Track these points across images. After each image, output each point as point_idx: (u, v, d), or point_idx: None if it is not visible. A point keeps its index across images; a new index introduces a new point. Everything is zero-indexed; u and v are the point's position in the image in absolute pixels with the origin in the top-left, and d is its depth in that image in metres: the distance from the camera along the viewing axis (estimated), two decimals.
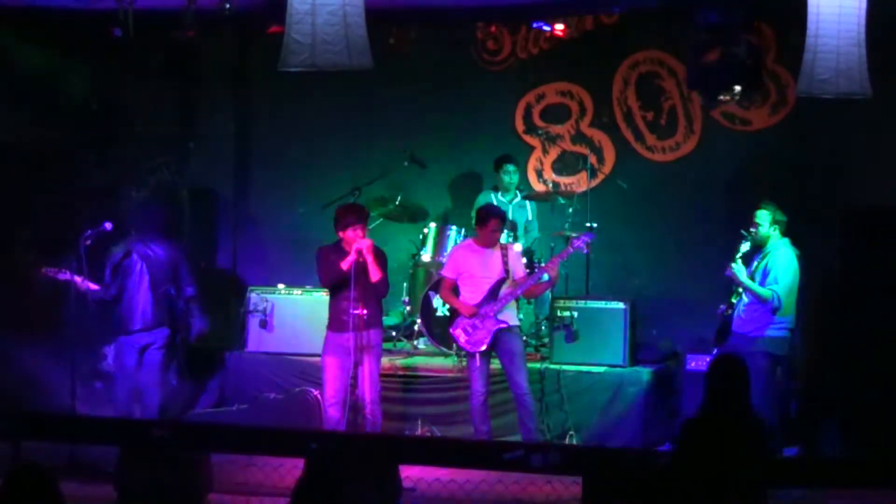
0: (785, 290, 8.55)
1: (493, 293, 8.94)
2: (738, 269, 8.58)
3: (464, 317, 8.95)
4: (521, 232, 10.51)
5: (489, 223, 8.94)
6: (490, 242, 8.99)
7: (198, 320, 9.35)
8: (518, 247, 9.45)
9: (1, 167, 10.35)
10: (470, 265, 9.01)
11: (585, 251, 9.37)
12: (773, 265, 8.58)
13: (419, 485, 7.36)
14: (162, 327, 9.16)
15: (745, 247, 8.65)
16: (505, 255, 8.97)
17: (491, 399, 9.11)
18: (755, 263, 8.66)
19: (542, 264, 9.64)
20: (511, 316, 8.97)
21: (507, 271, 8.93)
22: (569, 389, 9.53)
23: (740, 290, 8.70)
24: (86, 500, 7.38)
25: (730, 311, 8.75)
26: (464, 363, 9.72)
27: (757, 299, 8.57)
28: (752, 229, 8.64)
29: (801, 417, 9.39)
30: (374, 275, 8.57)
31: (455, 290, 9.06)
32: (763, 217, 8.63)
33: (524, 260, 9.45)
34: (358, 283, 8.54)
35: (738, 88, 9.12)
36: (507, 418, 9.26)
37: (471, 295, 8.98)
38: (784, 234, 8.70)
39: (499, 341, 8.93)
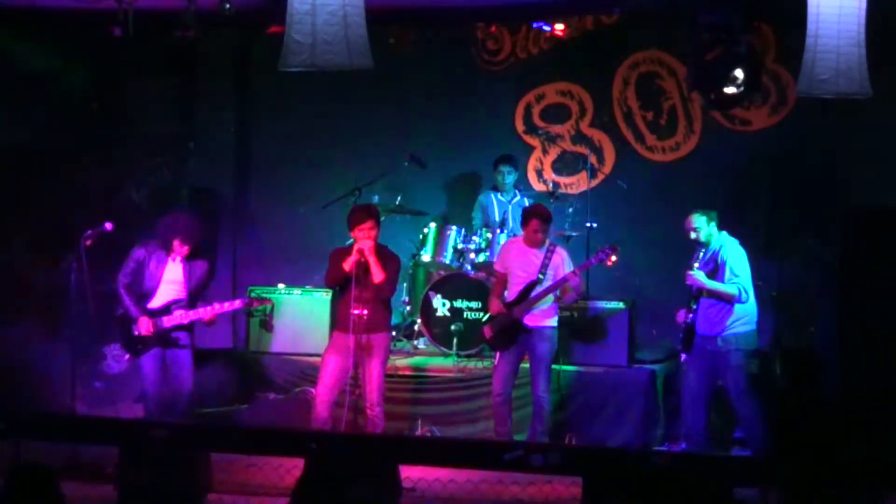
0: (744, 280, 8.59)
1: (524, 294, 8.94)
2: (698, 273, 8.61)
3: (493, 314, 8.99)
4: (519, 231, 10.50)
5: (530, 223, 8.94)
6: (534, 242, 8.98)
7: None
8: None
9: (1, 167, 10.35)
10: (512, 262, 9.04)
11: (609, 264, 9.32)
12: (724, 260, 8.61)
13: (419, 485, 7.36)
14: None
15: (701, 254, 8.68)
16: (548, 258, 8.94)
17: None
18: (703, 264, 8.66)
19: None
20: (541, 318, 8.95)
21: (544, 273, 8.91)
22: (569, 389, 9.54)
23: (697, 294, 8.71)
24: (86, 500, 7.38)
25: (691, 317, 8.75)
26: (463, 363, 9.76)
27: (722, 297, 8.59)
28: (692, 235, 8.66)
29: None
30: (377, 276, 8.56)
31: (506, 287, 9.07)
32: (699, 221, 8.66)
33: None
34: (360, 283, 8.56)
35: (739, 75, 9.04)
36: (517, 415, 9.25)
37: (509, 293, 9.01)
38: (719, 227, 8.71)
39: (526, 342, 8.95)
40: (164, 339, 8.92)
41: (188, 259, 8.94)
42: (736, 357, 8.64)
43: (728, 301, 8.58)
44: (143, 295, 8.96)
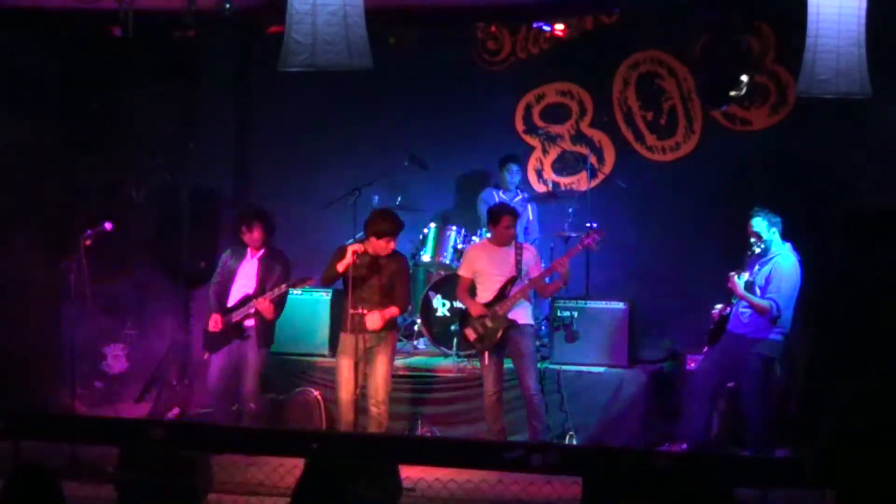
0: (784, 300, 8.57)
1: (503, 292, 8.96)
2: (739, 280, 8.60)
3: (475, 316, 8.99)
4: (521, 232, 10.50)
5: (502, 220, 8.99)
6: (504, 240, 9.03)
7: None
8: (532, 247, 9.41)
9: (1, 167, 10.35)
10: (483, 264, 9.06)
11: (595, 249, 9.37)
12: (774, 274, 8.58)
13: (419, 485, 7.36)
14: None
15: (750, 259, 8.67)
16: (519, 254, 8.99)
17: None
18: (757, 268, 8.66)
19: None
20: (522, 314, 8.98)
21: (519, 270, 8.96)
22: (569, 389, 9.53)
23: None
24: (86, 500, 7.38)
25: (728, 311, 8.75)
26: (463, 363, 9.75)
27: (756, 310, 8.58)
28: (752, 240, 8.64)
29: (801, 417, 9.38)
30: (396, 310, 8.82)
31: (472, 290, 9.10)
32: (760, 225, 8.63)
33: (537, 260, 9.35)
34: (362, 284, 8.63)
35: (745, 79, 9.06)
36: (514, 415, 9.26)
37: (484, 294, 9.02)
38: (783, 235, 8.70)
39: (509, 340, 8.96)
40: (235, 334, 9.13)
41: (269, 257, 9.19)
42: (757, 362, 8.63)
43: (760, 314, 8.57)
44: (225, 294, 9.24)
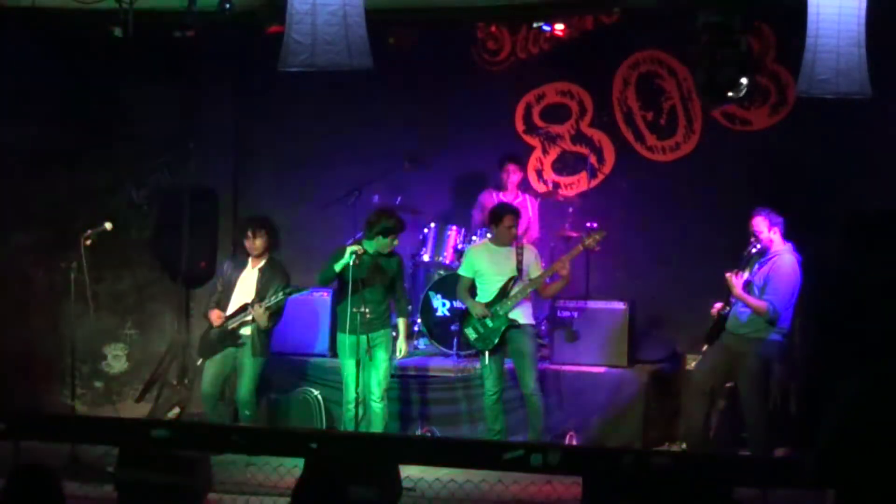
0: (782, 301, 8.55)
1: (504, 292, 8.97)
2: (735, 281, 8.59)
3: (475, 316, 9.00)
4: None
5: (504, 220, 9.01)
6: (506, 240, 9.04)
7: None
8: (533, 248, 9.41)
9: (1, 167, 10.36)
10: (484, 264, 9.08)
11: (596, 249, 9.38)
12: (773, 274, 8.57)
13: (419, 485, 7.35)
14: None
15: (748, 256, 8.67)
16: (520, 254, 9.01)
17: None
18: (757, 268, 8.65)
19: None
20: (523, 314, 8.99)
21: (520, 270, 8.97)
22: (569, 389, 9.54)
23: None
24: (86, 500, 7.38)
25: (727, 310, 8.75)
26: (463, 363, 9.75)
27: (753, 310, 8.57)
28: (752, 240, 8.64)
29: (801, 417, 9.40)
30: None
31: (473, 290, 9.11)
32: (761, 224, 8.63)
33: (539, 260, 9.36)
34: (366, 285, 8.72)
35: (744, 81, 9.07)
36: (514, 415, 9.27)
37: (485, 293, 9.03)
38: (785, 235, 8.70)
39: (509, 340, 8.97)
40: (230, 341, 9.08)
41: (269, 267, 9.15)
42: (755, 362, 8.63)
43: (757, 314, 8.56)
44: (225, 302, 9.20)
